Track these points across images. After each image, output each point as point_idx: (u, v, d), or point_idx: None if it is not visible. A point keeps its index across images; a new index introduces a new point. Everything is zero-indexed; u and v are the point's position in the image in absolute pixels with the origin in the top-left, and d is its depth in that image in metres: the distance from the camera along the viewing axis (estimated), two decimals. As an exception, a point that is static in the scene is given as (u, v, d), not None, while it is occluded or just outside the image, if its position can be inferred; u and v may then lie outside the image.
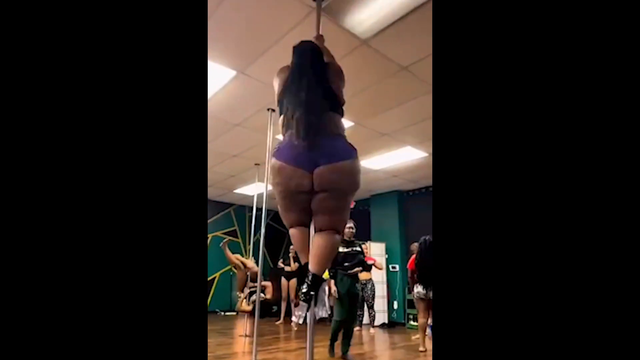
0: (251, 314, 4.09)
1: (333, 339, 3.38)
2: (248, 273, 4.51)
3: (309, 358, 1.29)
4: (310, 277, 1.30)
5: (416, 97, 3.21)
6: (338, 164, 1.27)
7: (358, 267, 3.50)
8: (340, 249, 3.42)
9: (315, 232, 1.36)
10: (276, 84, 1.51)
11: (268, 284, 4.67)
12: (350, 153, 1.32)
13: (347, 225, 3.51)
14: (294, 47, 1.52)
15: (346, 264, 3.44)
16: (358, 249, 3.58)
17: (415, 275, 3.93)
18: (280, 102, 1.45)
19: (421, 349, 3.76)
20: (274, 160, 1.34)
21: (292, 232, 1.43)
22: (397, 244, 6.06)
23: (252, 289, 4.39)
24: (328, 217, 1.34)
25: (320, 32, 1.73)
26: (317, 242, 1.34)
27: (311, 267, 1.32)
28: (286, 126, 1.38)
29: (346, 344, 3.32)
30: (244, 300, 4.44)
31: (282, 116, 1.41)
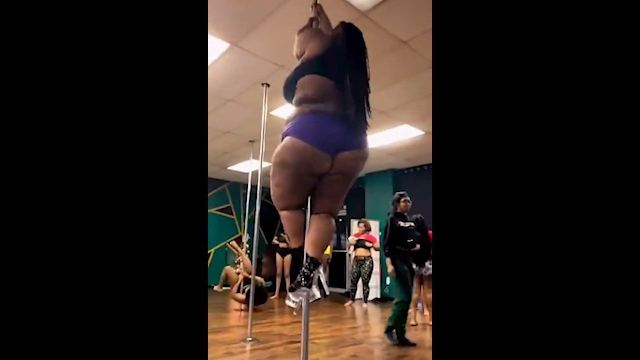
0: (245, 302, 4.14)
1: (401, 322, 2.99)
2: (241, 271, 4.57)
3: (305, 337, 1.29)
4: (310, 262, 1.26)
5: (415, 73, 3.13)
6: (355, 150, 1.28)
7: (417, 243, 3.28)
8: (402, 224, 3.18)
9: (312, 214, 1.34)
10: (306, 44, 1.40)
11: (261, 279, 4.78)
12: (365, 140, 1.32)
13: (403, 199, 3.30)
14: (346, 25, 1.42)
15: (409, 240, 3.17)
16: (413, 224, 3.32)
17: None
18: (310, 65, 1.32)
19: (412, 322, 3.87)
20: (294, 139, 1.22)
21: (289, 215, 1.35)
22: (391, 222, 6.12)
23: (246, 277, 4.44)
24: (332, 200, 1.34)
25: (318, 2, 1.65)
26: (317, 225, 1.32)
27: (311, 252, 1.28)
28: (312, 100, 1.25)
29: (403, 326, 3.04)
30: (236, 287, 4.51)
31: (304, 85, 1.29)
